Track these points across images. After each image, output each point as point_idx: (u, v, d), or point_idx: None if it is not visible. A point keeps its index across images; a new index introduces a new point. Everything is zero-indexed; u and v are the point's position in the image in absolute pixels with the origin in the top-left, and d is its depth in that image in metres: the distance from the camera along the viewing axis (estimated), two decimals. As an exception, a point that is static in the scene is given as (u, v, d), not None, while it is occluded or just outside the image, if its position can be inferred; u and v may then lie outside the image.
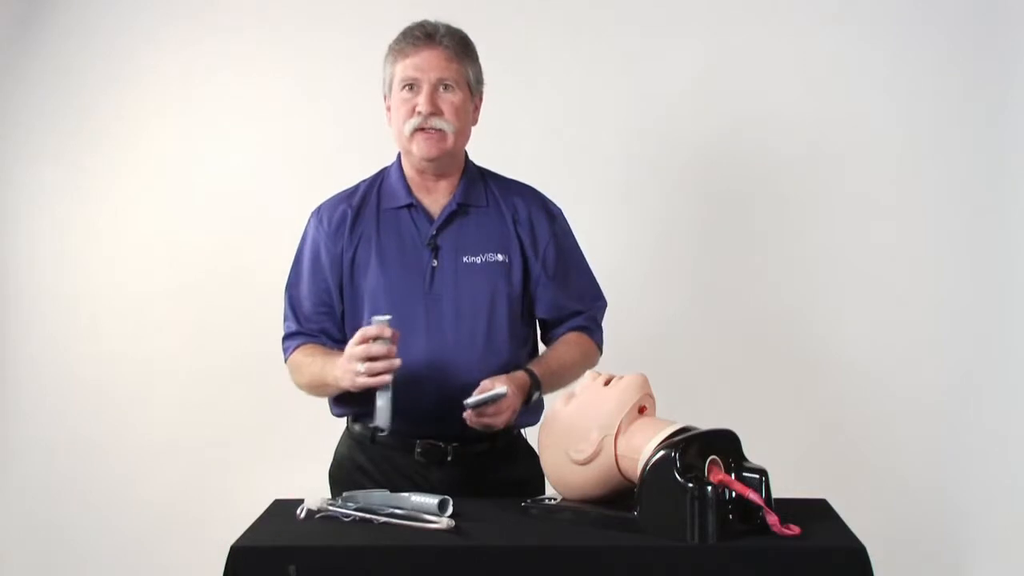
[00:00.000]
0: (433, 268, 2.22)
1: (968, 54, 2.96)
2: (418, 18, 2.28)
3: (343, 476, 2.28)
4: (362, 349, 2.04)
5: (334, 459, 2.33)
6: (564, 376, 2.26)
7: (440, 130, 2.20)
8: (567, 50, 3.04)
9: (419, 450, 2.21)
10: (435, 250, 2.23)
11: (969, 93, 2.96)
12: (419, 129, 2.20)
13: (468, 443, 2.21)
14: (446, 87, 2.21)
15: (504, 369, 2.18)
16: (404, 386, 2.11)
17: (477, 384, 2.10)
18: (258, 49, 3.08)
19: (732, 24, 3.01)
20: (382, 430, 2.13)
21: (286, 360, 2.31)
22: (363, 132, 2.97)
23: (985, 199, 2.98)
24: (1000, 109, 2.96)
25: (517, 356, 2.26)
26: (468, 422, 2.08)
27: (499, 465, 2.24)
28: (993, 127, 2.96)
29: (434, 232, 2.24)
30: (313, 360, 2.22)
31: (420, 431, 2.20)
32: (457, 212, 2.26)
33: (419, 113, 2.19)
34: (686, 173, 3.05)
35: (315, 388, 2.25)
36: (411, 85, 2.21)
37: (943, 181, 2.99)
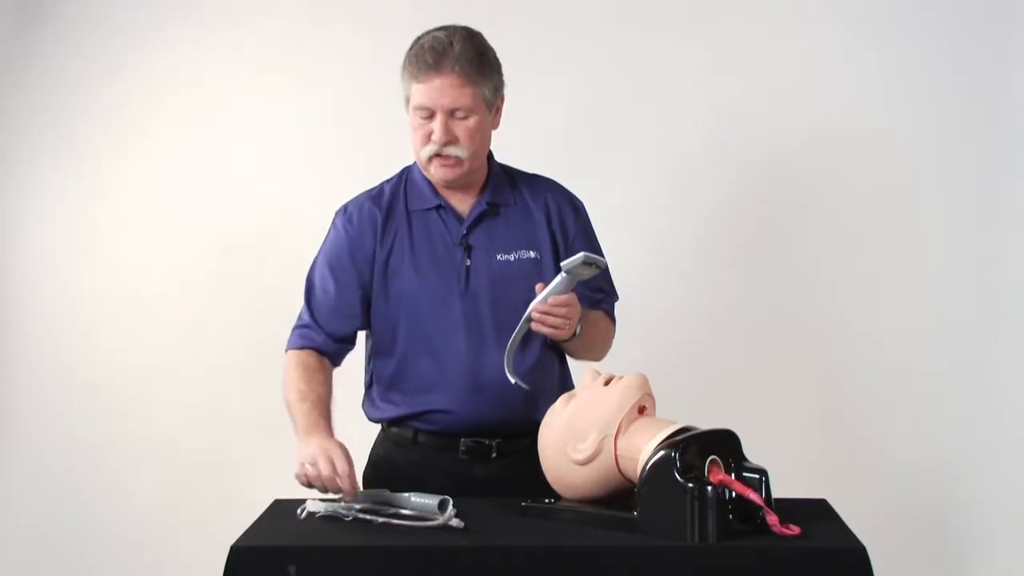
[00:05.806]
0: (467, 267, 2.22)
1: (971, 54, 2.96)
2: (421, 16, 2.25)
3: (380, 476, 2.25)
4: (323, 479, 1.97)
5: (369, 461, 2.31)
6: (596, 330, 2.27)
7: (456, 156, 2.18)
8: (593, 50, 3.03)
9: (463, 448, 2.21)
10: (468, 249, 2.23)
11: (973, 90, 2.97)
12: (435, 155, 2.18)
13: (511, 440, 2.22)
14: (461, 114, 2.16)
15: (541, 363, 2.23)
16: (446, 385, 2.16)
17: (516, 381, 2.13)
18: (258, 49, 3.07)
19: (747, 26, 3.01)
20: (525, 387, 2.13)
21: (287, 349, 2.26)
22: (365, 133, 2.99)
23: (984, 200, 2.97)
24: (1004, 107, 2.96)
25: (552, 350, 2.27)
26: (533, 326, 2.09)
27: (540, 461, 2.23)
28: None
29: (465, 232, 2.24)
30: (305, 391, 2.15)
31: (464, 429, 2.20)
32: (487, 212, 2.25)
33: (434, 142, 2.17)
34: (684, 174, 3.05)
35: (285, 403, 2.19)
36: (425, 113, 2.17)
37: (942, 182, 2.99)
